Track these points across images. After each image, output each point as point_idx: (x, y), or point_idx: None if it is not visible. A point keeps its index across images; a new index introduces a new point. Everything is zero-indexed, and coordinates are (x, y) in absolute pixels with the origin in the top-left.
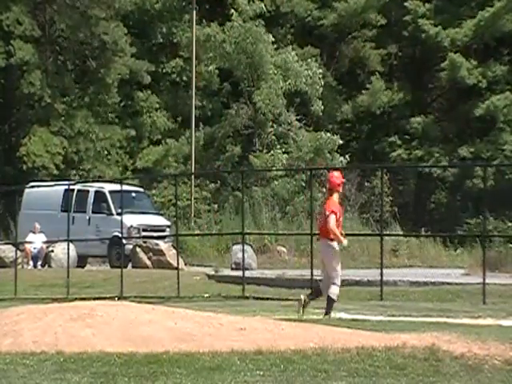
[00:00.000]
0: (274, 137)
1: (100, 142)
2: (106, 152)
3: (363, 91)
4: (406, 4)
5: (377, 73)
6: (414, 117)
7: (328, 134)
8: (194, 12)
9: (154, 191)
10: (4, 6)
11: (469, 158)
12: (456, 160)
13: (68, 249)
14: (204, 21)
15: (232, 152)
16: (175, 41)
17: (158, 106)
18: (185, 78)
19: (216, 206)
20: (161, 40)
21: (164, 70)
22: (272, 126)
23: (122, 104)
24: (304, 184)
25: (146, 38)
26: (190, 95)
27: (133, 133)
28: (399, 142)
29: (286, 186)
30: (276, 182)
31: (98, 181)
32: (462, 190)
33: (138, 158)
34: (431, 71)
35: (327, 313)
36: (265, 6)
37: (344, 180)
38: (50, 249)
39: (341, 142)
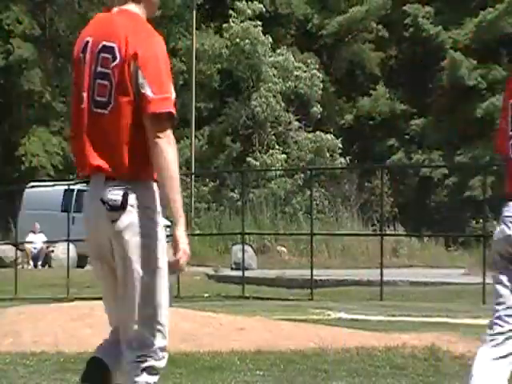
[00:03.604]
0: (273, 137)
1: None
2: None
3: (365, 97)
4: (405, 8)
5: (379, 79)
6: (414, 119)
7: (328, 136)
8: (194, 12)
9: None
10: (4, 5)
11: (469, 159)
12: (457, 160)
13: (68, 249)
14: (203, 26)
15: (231, 150)
16: (175, 46)
17: None
18: (182, 80)
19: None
20: None
21: None
22: (274, 127)
23: None
24: (302, 184)
25: None
26: (190, 96)
27: None
28: (397, 144)
29: (284, 185)
30: (274, 182)
31: None
32: (462, 194)
33: None
34: (431, 71)
35: None
36: (264, 6)
37: None
38: (51, 249)
39: (341, 146)
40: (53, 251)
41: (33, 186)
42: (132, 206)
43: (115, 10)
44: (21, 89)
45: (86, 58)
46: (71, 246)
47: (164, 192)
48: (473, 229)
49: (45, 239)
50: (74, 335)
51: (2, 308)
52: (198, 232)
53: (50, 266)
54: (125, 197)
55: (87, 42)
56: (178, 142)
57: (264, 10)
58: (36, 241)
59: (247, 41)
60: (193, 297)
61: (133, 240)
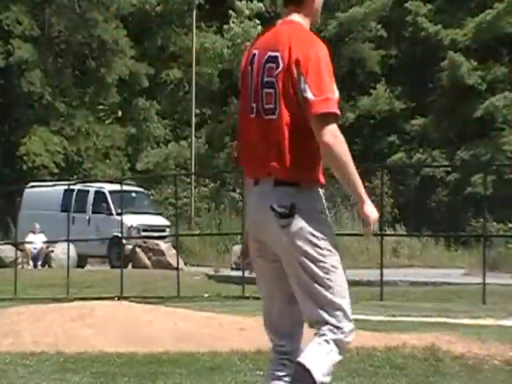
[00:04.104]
0: None
1: (100, 141)
2: (105, 152)
3: (365, 96)
4: (406, 5)
5: (379, 78)
6: (415, 118)
7: None
8: (194, 12)
9: (152, 191)
10: (3, 5)
11: (469, 159)
12: (457, 160)
13: (68, 249)
14: (203, 25)
15: (231, 150)
16: (175, 48)
17: (156, 112)
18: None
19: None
20: (160, 45)
21: (163, 78)
22: None
23: (122, 108)
24: None
25: (145, 41)
26: (190, 98)
27: (133, 130)
28: (398, 142)
29: None
30: None
31: (98, 181)
32: (463, 192)
33: (138, 160)
34: (431, 71)
35: None
36: (264, 6)
37: None
38: (50, 249)
39: None
40: (52, 251)
41: (33, 186)
42: (300, 210)
43: (279, 21)
44: (21, 90)
45: (254, 69)
46: (71, 245)
47: (343, 180)
48: (473, 228)
49: (45, 239)
50: (74, 335)
51: (2, 308)
52: (198, 232)
53: (49, 266)
54: (293, 206)
55: (254, 54)
56: (178, 142)
57: (264, 9)
58: (36, 241)
59: (248, 43)
60: (193, 297)
61: (303, 243)
